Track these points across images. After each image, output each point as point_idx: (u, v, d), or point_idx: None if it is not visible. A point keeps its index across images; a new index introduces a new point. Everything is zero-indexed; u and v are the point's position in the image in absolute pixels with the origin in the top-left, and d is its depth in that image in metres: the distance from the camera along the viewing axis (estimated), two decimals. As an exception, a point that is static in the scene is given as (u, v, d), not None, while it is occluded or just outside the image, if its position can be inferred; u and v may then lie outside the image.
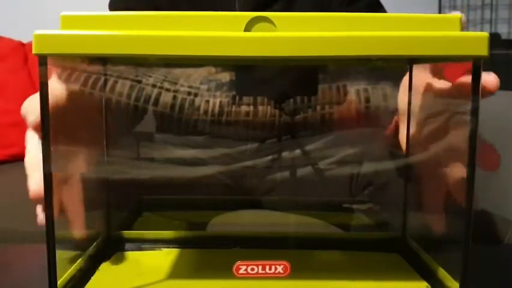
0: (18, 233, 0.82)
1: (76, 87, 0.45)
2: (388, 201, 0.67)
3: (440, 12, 1.97)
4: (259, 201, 0.78)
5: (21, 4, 1.83)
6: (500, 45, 1.73)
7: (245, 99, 0.62)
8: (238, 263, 0.38)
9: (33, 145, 0.45)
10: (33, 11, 1.80)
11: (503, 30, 1.99)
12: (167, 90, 0.56)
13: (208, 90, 0.59)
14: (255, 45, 0.33)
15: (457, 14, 0.36)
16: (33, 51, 0.34)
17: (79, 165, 0.46)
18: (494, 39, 1.65)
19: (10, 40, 1.61)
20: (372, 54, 0.34)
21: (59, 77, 0.45)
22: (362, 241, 0.50)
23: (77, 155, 0.46)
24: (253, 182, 0.79)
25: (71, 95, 0.45)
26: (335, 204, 0.73)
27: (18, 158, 1.48)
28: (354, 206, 0.73)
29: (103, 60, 0.46)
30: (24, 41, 1.61)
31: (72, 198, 0.44)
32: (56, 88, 0.45)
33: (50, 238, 0.36)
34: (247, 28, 0.35)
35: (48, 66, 0.34)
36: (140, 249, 0.49)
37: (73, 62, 0.44)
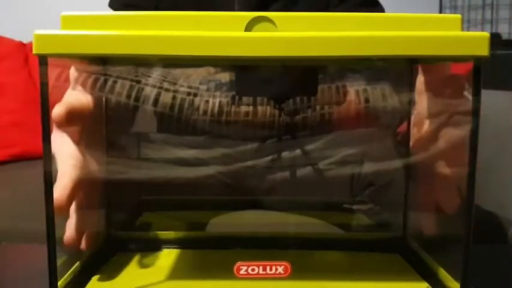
0: (18, 233, 0.82)
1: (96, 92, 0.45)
2: (388, 202, 0.67)
3: (440, 12, 1.97)
4: (259, 202, 0.78)
5: (21, 4, 1.83)
6: (500, 45, 1.72)
7: (245, 99, 0.62)
8: (239, 263, 0.38)
9: (60, 149, 0.42)
10: (33, 11, 1.80)
11: (504, 30, 1.99)
12: (167, 90, 0.56)
13: (208, 90, 0.59)
14: (256, 45, 0.33)
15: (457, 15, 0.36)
16: (34, 51, 0.34)
17: (94, 166, 0.45)
18: (495, 39, 1.65)
19: (10, 40, 1.61)
20: (372, 54, 0.34)
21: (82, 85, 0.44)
22: (362, 241, 0.50)
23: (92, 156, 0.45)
24: (253, 182, 0.79)
25: (93, 100, 0.45)
26: (336, 204, 0.73)
27: (19, 158, 1.49)
28: (355, 207, 0.73)
29: (102, 60, 0.46)
30: (25, 41, 1.61)
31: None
32: (82, 95, 0.44)
33: (51, 238, 0.36)
34: (248, 28, 0.35)
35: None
36: (141, 249, 0.49)
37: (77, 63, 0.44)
